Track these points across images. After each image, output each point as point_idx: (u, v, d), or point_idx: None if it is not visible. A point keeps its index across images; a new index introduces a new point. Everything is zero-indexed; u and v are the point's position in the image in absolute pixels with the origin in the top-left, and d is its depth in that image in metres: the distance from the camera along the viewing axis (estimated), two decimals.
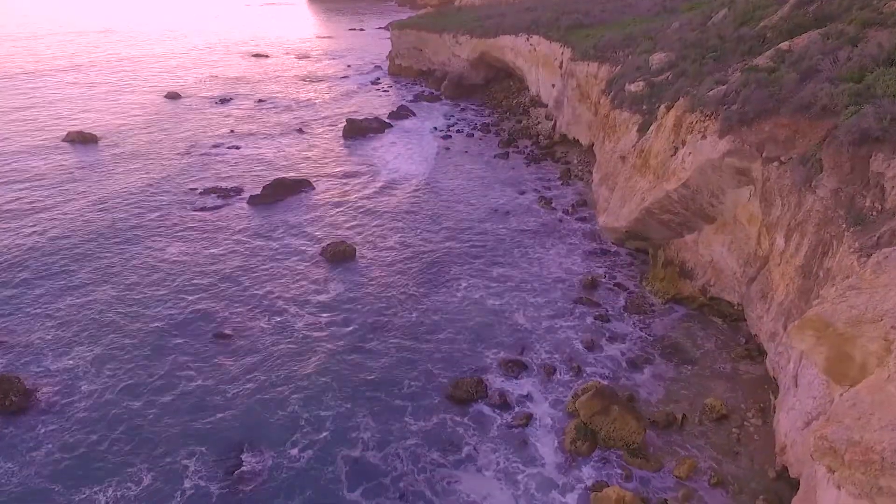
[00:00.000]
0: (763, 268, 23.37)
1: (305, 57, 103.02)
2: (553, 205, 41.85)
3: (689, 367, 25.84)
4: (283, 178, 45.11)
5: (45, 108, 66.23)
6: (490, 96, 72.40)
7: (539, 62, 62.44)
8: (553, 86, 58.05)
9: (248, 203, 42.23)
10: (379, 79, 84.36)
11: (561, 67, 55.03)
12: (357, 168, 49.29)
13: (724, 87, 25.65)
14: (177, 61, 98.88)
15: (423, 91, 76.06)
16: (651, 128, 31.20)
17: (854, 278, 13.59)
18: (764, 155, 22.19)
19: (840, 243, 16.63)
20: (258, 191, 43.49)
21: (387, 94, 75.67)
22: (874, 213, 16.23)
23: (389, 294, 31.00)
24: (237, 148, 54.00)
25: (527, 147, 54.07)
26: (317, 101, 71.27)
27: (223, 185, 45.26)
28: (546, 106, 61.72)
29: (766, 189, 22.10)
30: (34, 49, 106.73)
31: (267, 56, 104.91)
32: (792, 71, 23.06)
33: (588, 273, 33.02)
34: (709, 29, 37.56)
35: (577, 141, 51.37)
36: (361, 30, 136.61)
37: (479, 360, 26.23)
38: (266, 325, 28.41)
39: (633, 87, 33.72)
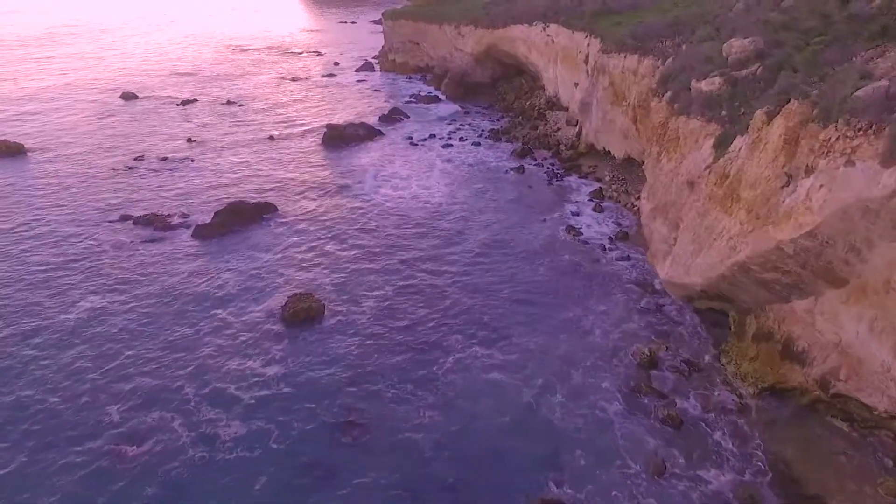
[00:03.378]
0: None
1: (289, 52, 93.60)
2: (585, 236, 32.47)
3: None
4: (241, 201, 35.65)
5: None
6: (498, 97, 62.93)
7: (558, 56, 52.99)
8: (576, 85, 48.60)
9: (192, 236, 32.88)
10: (369, 77, 74.88)
11: (587, 62, 45.61)
12: (335, 186, 39.83)
13: (886, 83, 16.32)
14: (143, 57, 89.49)
15: (420, 91, 66.57)
16: (737, 142, 21.87)
17: None
18: None
19: None
20: (208, 218, 34.18)
21: (378, 94, 66.19)
22: None
23: (365, 383, 21.66)
24: (191, 161, 44.55)
25: (546, 159, 44.61)
26: (295, 103, 61.76)
27: (166, 210, 35.88)
28: (566, 109, 52.33)
29: None
30: None
31: (247, 50, 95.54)
32: None
33: (643, 344, 23.77)
34: (794, 8, 28.20)
35: (608, 152, 42.04)
36: (353, 23, 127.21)
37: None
38: (182, 437, 19.15)
39: (704, 86, 24.34)
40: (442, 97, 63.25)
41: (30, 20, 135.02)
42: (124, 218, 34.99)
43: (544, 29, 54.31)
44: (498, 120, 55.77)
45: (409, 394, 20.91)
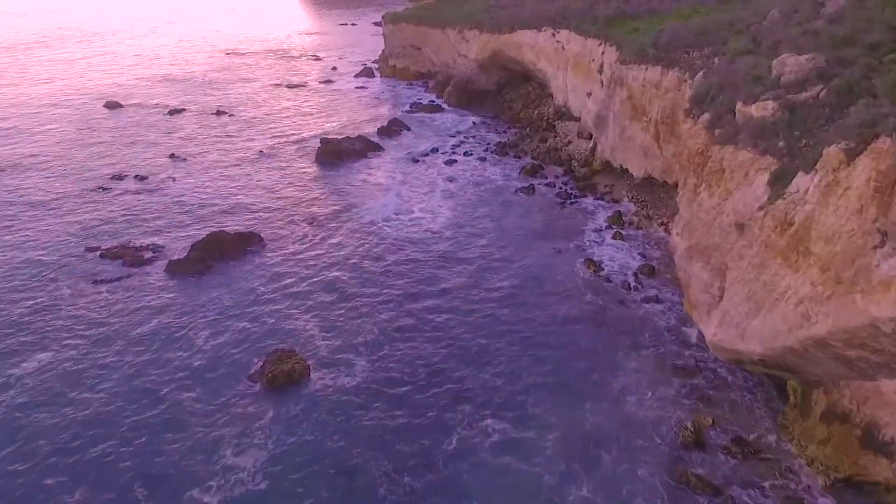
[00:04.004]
0: None
1: (286, 56, 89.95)
2: (606, 271, 28.75)
3: None
4: (222, 231, 32.00)
5: None
6: (504, 105, 59.22)
7: (568, 64, 49.30)
8: (588, 95, 44.87)
9: (165, 272, 29.27)
10: (369, 83, 71.20)
11: (601, 72, 41.90)
12: (327, 212, 36.14)
13: None
14: (135, 61, 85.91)
15: (422, 99, 62.88)
16: (800, 181, 18.14)
17: None
18: None
19: None
20: (185, 251, 30.56)
21: (377, 102, 62.50)
22: None
23: (353, 475, 17.95)
24: (172, 181, 40.93)
25: (558, 177, 40.86)
26: (290, 113, 58.10)
27: (139, 240, 32.31)
28: (578, 119, 48.66)
29: None
30: None
31: (243, 54, 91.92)
32: None
33: (685, 414, 20.11)
34: (841, 17, 24.51)
35: (626, 170, 38.35)
36: (353, 24, 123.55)
37: None
38: None
39: (755, 111, 20.60)
40: (445, 106, 59.57)
41: (26, 23, 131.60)
42: (90, 249, 31.40)
43: (554, 35, 50.65)
44: (504, 131, 52.06)
45: (405, 492, 17.21)
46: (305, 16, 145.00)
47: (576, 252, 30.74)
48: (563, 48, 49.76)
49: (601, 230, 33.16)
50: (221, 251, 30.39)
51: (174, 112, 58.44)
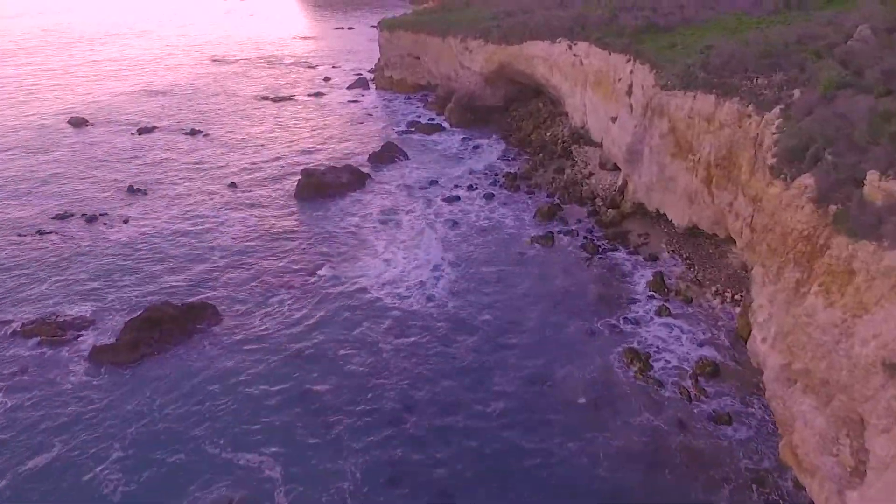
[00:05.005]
0: None
1: (276, 64, 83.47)
2: (655, 370, 22.27)
3: None
4: (166, 304, 25.50)
5: None
6: (513, 125, 52.78)
7: (587, 81, 42.85)
8: (613, 120, 38.42)
9: (88, 360, 22.95)
10: (363, 96, 64.76)
11: (630, 95, 35.48)
12: (304, 269, 29.72)
13: None
14: (115, 70, 79.51)
15: (420, 116, 56.42)
16: None
17: None
18: None
19: None
20: (117, 329, 24.23)
21: (370, 120, 56.03)
22: None
23: None
24: (124, 223, 34.58)
25: (580, 222, 34.36)
26: (272, 134, 51.63)
27: (65, 311, 26.02)
28: (598, 145, 42.26)
29: None
30: None
31: (231, 62, 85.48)
32: None
33: None
34: None
35: (663, 215, 31.97)
36: (350, 28, 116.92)
37: None
38: None
39: None
40: (445, 125, 53.13)
41: (10, 27, 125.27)
42: (3, 323, 25.07)
43: (570, 47, 44.23)
44: (514, 158, 45.62)
45: None
46: (302, 18, 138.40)
47: (611, 335, 24.28)
48: (582, 63, 43.33)
49: (641, 299, 26.69)
50: (162, 332, 23.98)
51: (144, 131, 52.10)
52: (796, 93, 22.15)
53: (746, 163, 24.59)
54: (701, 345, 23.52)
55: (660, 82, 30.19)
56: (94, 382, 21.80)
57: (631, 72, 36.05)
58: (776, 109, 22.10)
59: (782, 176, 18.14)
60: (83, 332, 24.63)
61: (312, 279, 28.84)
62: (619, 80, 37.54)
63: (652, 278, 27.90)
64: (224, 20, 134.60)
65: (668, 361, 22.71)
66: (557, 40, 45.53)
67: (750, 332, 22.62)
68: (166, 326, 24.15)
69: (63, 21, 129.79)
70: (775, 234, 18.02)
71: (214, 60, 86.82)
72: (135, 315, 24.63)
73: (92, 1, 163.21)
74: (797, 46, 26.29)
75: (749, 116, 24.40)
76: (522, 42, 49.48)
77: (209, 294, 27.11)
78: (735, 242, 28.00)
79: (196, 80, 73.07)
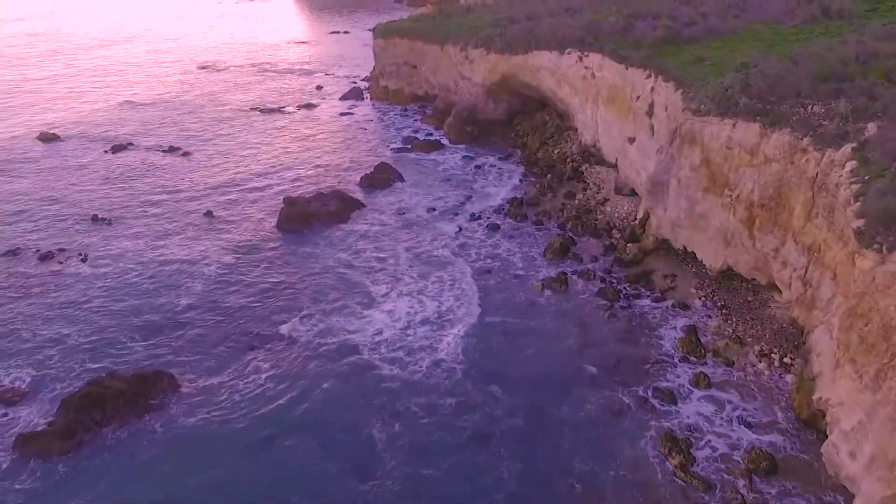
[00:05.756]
0: None
1: (268, 70, 79.48)
2: (697, 460, 18.39)
3: None
4: (113, 377, 21.54)
5: None
6: (517, 139, 48.95)
7: (599, 97, 39.03)
8: (631, 141, 34.60)
9: (13, 451, 19.06)
10: (356, 108, 60.85)
11: (651, 115, 31.63)
12: (284, 320, 25.86)
13: None
14: (97, 79, 75.59)
15: (418, 131, 52.48)
16: None
17: None
18: None
19: None
20: (52, 408, 20.36)
21: (363, 135, 52.09)
22: None
23: None
24: (82, 261, 30.76)
25: (596, 259, 30.38)
26: (256, 151, 47.64)
27: None
28: (613, 166, 38.46)
29: None
30: None
31: (221, 70, 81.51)
32: None
33: None
34: None
35: (691, 253, 28.14)
36: (346, 32, 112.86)
37: None
38: None
39: None
40: (444, 142, 49.21)
41: None
42: None
43: (581, 59, 40.35)
44: (520, 180, 41.70)
45: None
46: (297, 22, 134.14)
47: (640, 412, 20.39)
48: (594, 76, 39.46)
49: (674, 363, 22.79)
50: (105, 412, 20.11)
51: (118, 149, 48.25)
52: (871, 127, 18.31)
53: (801, 206, 20.78)
54: (750, 425, 19.63)
55: (690, 105, 26.31)
56: (17, 485, 17.90)
57: (652, 89, 32.20)
58: (846, 148, 18.23)
59: (875, 246, 14.25)
60: (14, 410, 20.77)
61: (295, 334, 24.95)
62: (638, 97, 33.68)
63: (685, 335, 23.96)
64: (217, 23, 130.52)
65: (713, 449, 18.86)
66: (567, 51, 41.65)
67: (810, 410, 18.85)
68: (111, 405, 20.26)
69: (51, 26, 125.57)
70: (871, 326, 14.09)
71: (203, 68, 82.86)
72: (75, 390, 20.72)
73: (85, 5, 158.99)
74: (859, 67, 22.45)
75: (804, 152, 20.60)
76: (528, 52, 45.57)
77: (168, 357, 23.26)
78: (779, 290, 24.22)
79: (182, 91, 69.15)
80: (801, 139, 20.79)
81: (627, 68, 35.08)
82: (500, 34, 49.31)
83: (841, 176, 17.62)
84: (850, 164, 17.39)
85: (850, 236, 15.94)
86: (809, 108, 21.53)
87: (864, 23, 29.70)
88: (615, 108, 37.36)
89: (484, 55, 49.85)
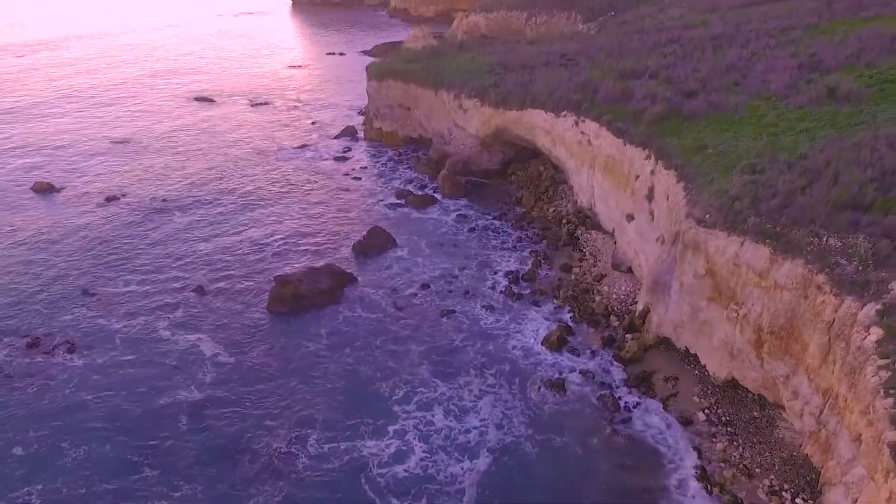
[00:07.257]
0: None
1: (263, 104, 78.03)
2: None
3: None
4: None
5: None
6: (511, 195, 47.98)
7: (596, 164, 38.08)
8: (629, 219, 33.68)
9: None
10: (351, 151, 59.71)
11: (651, 199, 30.69)
12: (271, 445, 24.77)
13: None
14: (81, 115, 74.06)
15: (412, 182, 51.35)
16: None
17: None
18: None
19: None
20: None
21: (357, 186, 50.94)
22: None
23: None
24: (70, 351, 29.66)
25: (595, 353, 29.34)
26: (249, 210, 46.39)
27: None
28: (609, 233, 37.55)
29: None
30: None
31: (214, 101, 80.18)
32: None
33: None
34: None
35: (694, 355, 27.15)
36: (342, 54, 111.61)
37: None
38: None
39: None
40: (438, 196, 48.16)
41: None
42: None
43: (577, 123, 39.34)
44: (516, 241, 40.80)
45: None
46: (295, 40, 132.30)
47: None
48: (590, 143, 38.47)
49: (681, 490, 21.81)
50: None
51: (110, 200, 47.65)
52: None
53: (816, 347, 19.77)
54: None
55: (693, 212, 25.27)
56: None
57: (652, 172, 31.26)
58: (870, 309, 17.19)
59: None
60: None
61: (291, 451, 23.96)
62: (637, 177, 32.75)
63: (697, 469, 22.86)
64: (216, 41, 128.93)
65: None
66: (562, 113, 40.64)
67: None
68: None
69: (41, 57, 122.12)
70: None
71: (198, 99, 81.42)
72: None
73: (79, 26, 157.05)
74: (875, 190, 21.35)
75: (819, 289, 19.57)
76: (522, 108, 44.56)
77: (140, 487, 22.11)
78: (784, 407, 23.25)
79: (176, 130, 67.63)
80: (816, 274, 19.78)
81: (626, 144, 34.08)
82: (493, 85, 48.23)
83: (865, 340, 16.61)
84: (876, 332, 16.35)
85: (879, 418, 14.97)
86: (825, 239, 20.49)
87: (874, 112, 28.60)
88: (612, 179, 36.38)
89: (478, 107, 48.80)
